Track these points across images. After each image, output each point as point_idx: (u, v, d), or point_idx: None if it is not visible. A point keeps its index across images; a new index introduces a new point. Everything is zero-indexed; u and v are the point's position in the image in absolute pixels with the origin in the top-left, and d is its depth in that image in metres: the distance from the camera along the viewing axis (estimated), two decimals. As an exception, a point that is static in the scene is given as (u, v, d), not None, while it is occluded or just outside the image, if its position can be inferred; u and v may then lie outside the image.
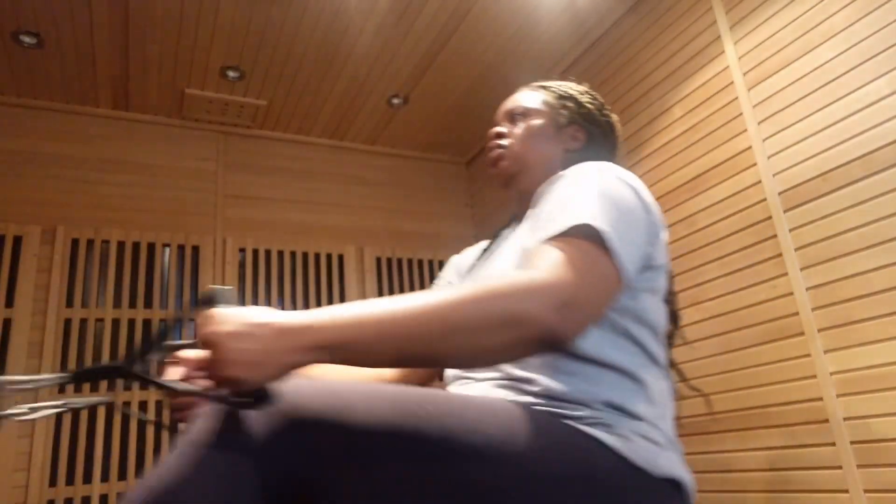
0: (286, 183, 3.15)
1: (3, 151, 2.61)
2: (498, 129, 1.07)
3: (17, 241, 2.52)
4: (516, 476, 0.66)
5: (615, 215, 0.77)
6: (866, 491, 1.56)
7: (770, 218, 1.86)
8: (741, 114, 1.98)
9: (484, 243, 1.15)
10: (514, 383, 0.81)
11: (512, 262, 0.93)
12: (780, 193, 1.84)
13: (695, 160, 2.14)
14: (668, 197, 2.24)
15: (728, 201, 2.00)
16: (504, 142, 1.05)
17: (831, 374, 1.67)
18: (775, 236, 1.84)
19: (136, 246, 2.74)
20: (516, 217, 1.07)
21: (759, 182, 1.90)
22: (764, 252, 1.87)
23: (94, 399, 0.83)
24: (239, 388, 0.59)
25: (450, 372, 0.96)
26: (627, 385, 0.80)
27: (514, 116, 1.07)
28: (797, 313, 1.76)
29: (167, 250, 2.81)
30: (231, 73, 2.69)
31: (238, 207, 2.99)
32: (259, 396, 0.60)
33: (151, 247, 2.76)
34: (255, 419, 0.60)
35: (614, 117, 1.11)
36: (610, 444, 0.73)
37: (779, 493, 1.77)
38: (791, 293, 1.78)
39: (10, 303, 2.44)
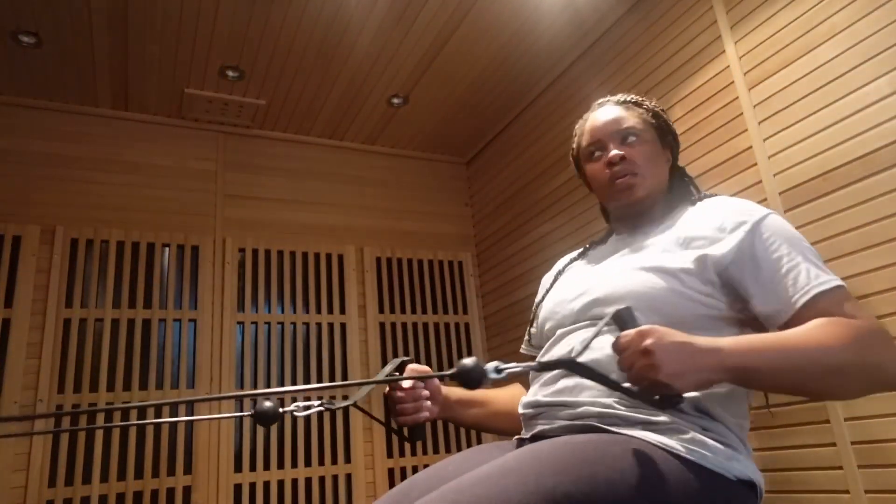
0: (286, 183, 3.15)
1: (2, 151, 2.60)
2: (617, 152, 1.07)
3: (17, 240, 2.52)
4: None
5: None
6: (867, 492, 1.56)
7: (770, 218, 1.86)
8: (741, 114, 1.98)
9: (576, 252, 1.22)
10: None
11: (628, 278, 0.96)
12: (780, 193, 1.84)
13: (695, 160, 2.13)
14: (668, 197, 2.24)
15: (728, 201, 2.00)
16: (635, 168, 1.07)
17: (832, 374, 1.67)
18: (776, 236, 1.84)
19: (135, 246, 2.74)
20: (618, 231, 1.13)
21: (760, 182, 1.90)
22: (764, 252, 1.87)
23: (344, 403, 1.00)
24: (662, 392, 0.71)
25: (531, 401, 1.00)
26: (723, 390, 0.85)
27: (625, 137, 1.08)
28: (797, 313, 1.76)
29: (167, 250, 2.81)
30: (231, 73, 2.69)
31: (238, 207, 2.99)
32: (669, 400, 0.72)
33: (151, 247, 2.76)
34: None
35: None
36: (682, 453, 0.77)
37: (779, 493, 1.77)
38: (791, 293, 1.78)
39: (8, 303, 2.44)
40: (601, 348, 0.89)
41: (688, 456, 0.77)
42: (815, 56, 1.78)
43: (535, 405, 0.94)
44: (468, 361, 0.66)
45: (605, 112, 1.12)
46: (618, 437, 0.78)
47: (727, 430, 0.83)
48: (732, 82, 2.02)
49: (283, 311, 2.96)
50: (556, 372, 0.95)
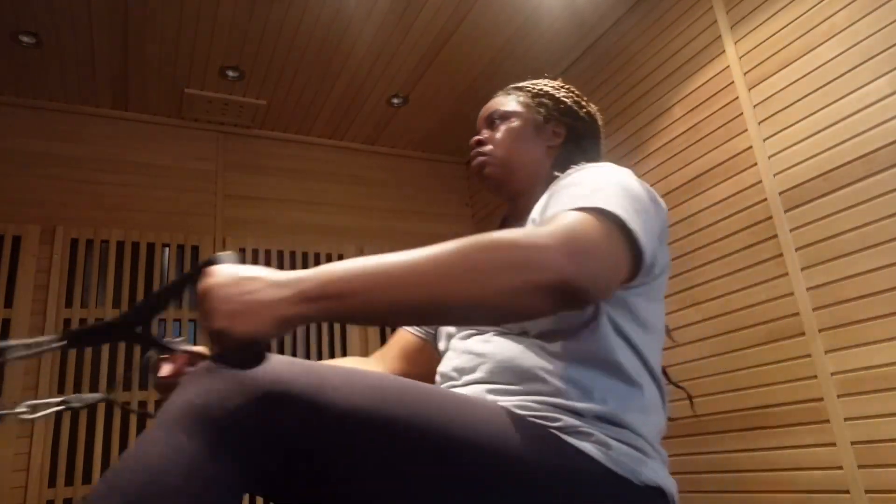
0: (286, 183, 3.15)
1: (2, 151, 2.60)
2: (477, 136, 1.07)
3: (17, 240, 2.52)
4: (493, 477, 0.65)
5: (635, 207, 0.75)
6: (867, 491, 1.56)
7: (770, 218, 1.86)
8: (741, 114, 1.98)
9: None
10: (494, 385, 0.80)
11: None
12: (780, 193, 1.84)
13: (695, 160, 2.13)
14: (668, 197, 2.23)
15: (728, 201, 2.00)
16: (485, 148, 1.06)
17: (832, 374, 1.67)
18: (776, 236, 1.84)
19: (135, 246, 2.74)
20: (508, 219, 1.06)
21: (760, 182, 1.90)
22: (764, 252, 1.87)
23: (93, 396, 0.83)
24: (228, 340, 0.57)
25: (440, 371, 0.94)
26: (622, 391, 0.78)
27: (492, 121, 1.08)
28: (797, 313, 1.76)
29: (167, 250, 2.81)
30: (231, 73, 2.69)
31: (238, 207, 2.99)
32: (249, 352, 0.59)
33: (151, 247, 2.76)
34: (230, 393, 0.58)
35: (593, 108, 1.10)
36: (591, 453, 0.71)
37: (779, 493, 1.77)
38: (791, 293, 1.78)
39: (9, 303, 2.44)
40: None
41: (595, 456, 0.71)
42: (815, 56, 1.78)
43: (447, 376, 0.90)
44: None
45: (490, 101, 1.11)
46: (532, 421, 0.73)
47: (635, 434, 0.77)
48: (732, 82, 2.02)
49: (283, 311, 2.96)
50: (459, 350, 0.90)
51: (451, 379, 0.89)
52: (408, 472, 0.63)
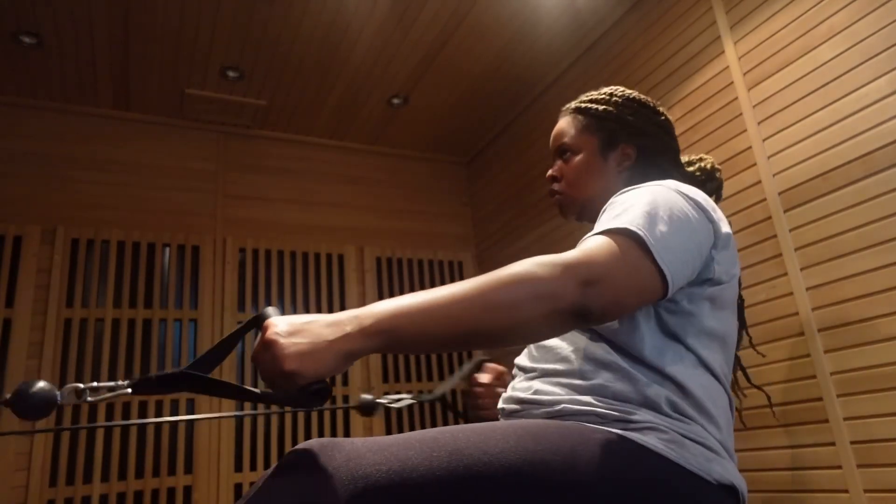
0: (286, 183, 3.15)
1: (3, 151, 2.61)
2: (551, 171, 1.11)
3: (17, 241, 2.52)
4: (567, 499, 0.68)
5: (661, 222, 0.80)
6: (866, 491, 1.56)
7: (770, 218, 1.86)
8: (741, 114, 1.98)
9: None
10: (573, 381, 0.84)
11: None
12: (780, 193, 1.84)
13: (695, 160, 2.14)
14: (668, 197, 2.24)
15: (728, 201, 2.00)
16: (558, 186, 1.09)
17: (831, 374, 1.67)
18: (775, 236, 1.84)
19: (136, 246, 2.74)
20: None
21: (759, 182, 1.90)
22: (764, 252, 1.87)
23: (434, 395, 1.07)
24: (300, 380, 0.62)
25: (517, 363, 0.99)
26: (677, 390, 0.81)
27: (563, 152, 1.10)
28: (797, 313, 1.76)
29: (167, 250, 2.81)
30: (231, 73, 2.69)
31: (238, 207, 2.99)
32: (316, 391, 0.64)
33: (151, 247, 2.76)
34: (320, 488, 0.62)
35: (663, 117, 1.08)
36: (665, 454, 0.74)
37: (779, 492, 1.77)
38: (791, 293, 1.78)
39: (10, 303, 2.44)
40: None
41: (667, 455, 0.74)
42: (815, 56, 1.78)
43: (514, 401, 0.93)
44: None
45: (557, 125, 1.14)
46: (600, 428, 0.77)
47: (707, 433, 0.80)
48: (732, 82, 2.02)
49: (283, 311, 2.96)
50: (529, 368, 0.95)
51: (525, 371, 0.94)
52: None
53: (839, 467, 1.63)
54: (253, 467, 2.67)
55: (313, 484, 0.62)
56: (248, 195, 3.04)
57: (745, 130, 1.96)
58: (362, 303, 3.10)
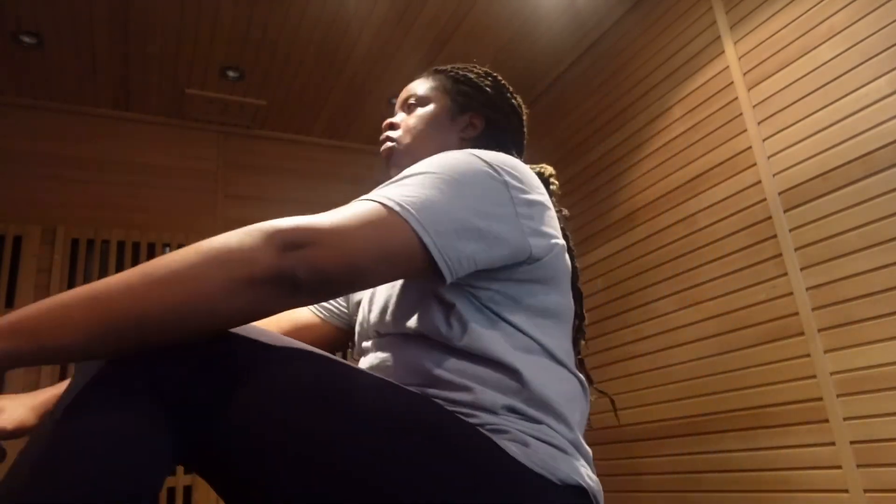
0: (286, 183, 3.15)
1: (3, 151, 2.61)
2: (390, 119, 1.02)
3: (17, 241, 2.52)
4: (406, 465, 0.60)
5: (431, 187, 0.69)
6: (866, 491, 1.56)
7: (770, 218, 1.86)
8: (741, 114, 1.98)
9: None
10: (416, 389, 0.74)
11: None
12: (780, 193, 1.84)
13: (695, 160, 2.14)
14: (668, 197, 2.24)
15: (728, 201, 2.00)
16: (394, 133, 1.00)
17: (831, 374, 1.67)
18: (775, 236, 1.84)
19: (136, 246, 2.74)
20: None
21: (759, 182, 1.91)
22: (764, 252, 1.87)
23: None
24: None
25: None
26: (518, 384, 0.72)
27: (408, 105, 1.02)
28: (797, 313, 1.76)
29: (167, 250, 2.81)
30: (231, 73, 2.69)
31: (238, 207, 2.99)
32: None
33: (151, 247, 2.76)
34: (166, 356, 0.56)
35: (517, 101, 1.04)
36: (510, 451, 0.66)
37: (779, 492, 1.77)
38: (791, 293, 1.79)
39: (10, 303, 2.44)
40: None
41: (512, 453, 0.65)
42: (815, 56, 1.78)
43: None
44: None
45: (410, 83, 1.06)
46: (455, 417, 0.68)
47: (551, 430, 0.72)
48: (732, 83, 2.02)
49: (283, 311, 2.96)
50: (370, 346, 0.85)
51: None
52: (312, 448, 0.58)
53: (839, 467, 1.63)
54: (253, 467, 2.66)
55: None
56: (248, 195, 3.04)
57: (745, 130, 1.96)
58: (362, 303, 3.11)
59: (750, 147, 1.94)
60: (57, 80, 2.62)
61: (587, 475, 0.72)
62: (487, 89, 1.01)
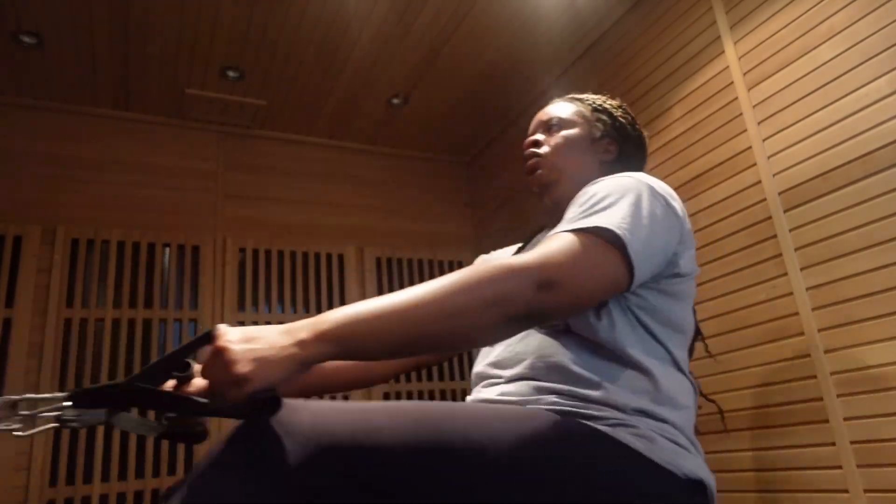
0: (286, 183, 3.15)
1: (3, 151, 2.61)
2: (534, 137, 1.09)
3: (17, 241, 2.52)
4: (541, 484, 0.68)
5: (637, 220, 0.80)
6: (866, 491, 1.56)
7: (770, 218, 1.86)
8: (741, 114, 1.98)
9: (514, 247, 1.18)
10: (539, 383, 0.83)
11: None
12: (780, 193, 1.84)
13: (695, 160, 2.14)
14: (668, 197, 2.24)
15: (728, 201, 2.00)
16: (540, 150, 1.07)
17: (831, 373, 1.67)
18: (775, 236, 1.84)
19: (136, 246, 2.74)
20: (548, 225, 1.09)
21: (759, 182, 1.90)
22: (764, 252, 1.87)
23: (90, 419, 0.69)
24: (249, 387, 0.59)
25: (476, 372, 0.97)
26: (649, 386, 0.82)
27: (549, 126, 1.09)
28: (797, 313, 1.76)
29: (167, 250, 2.81)
30: (231, 73, 2.69)
31: (238, 207, 2.99)
32: (264, 402, 0.61)
33: (151, 247, 2.76)
34: (281, 442, 0.61)
35: (645, 133, 1.14)
36: (635, 446, 0.74)
37: (779, 493, 1.77)
38: (791, 293, 1.79)
39: (10, 303, 2.44)
40: None
41: (636, 448, 0.74)
42: (815, 56, 1.78)
43: (482, 376, 0.93)
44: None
45: (547, 107, 1.13)
46: (568, 419, 0.76)
47: (675, 429, 0.81)
48: (732, 83, 2.02)
49: (283, 311, 2.96)
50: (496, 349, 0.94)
51: (490, 378, 0.92)
52: (462, 493, 0.65)
53: (839, 467, 1.63)
54: (253, 467, 2.66)
55: (278, 438, 0.61)
56: (248, 195, 3.04)
57: (745, 130, 1.96)
58: (362, 303, 3.10)
59: (750, 147, 1.94)
60: (57, 80, 2.62)
61: (706, 470, 0.81)
62: (622, 119, 1.11)
